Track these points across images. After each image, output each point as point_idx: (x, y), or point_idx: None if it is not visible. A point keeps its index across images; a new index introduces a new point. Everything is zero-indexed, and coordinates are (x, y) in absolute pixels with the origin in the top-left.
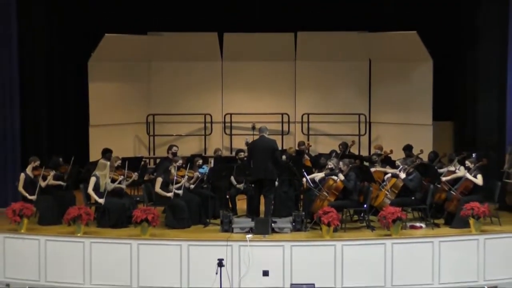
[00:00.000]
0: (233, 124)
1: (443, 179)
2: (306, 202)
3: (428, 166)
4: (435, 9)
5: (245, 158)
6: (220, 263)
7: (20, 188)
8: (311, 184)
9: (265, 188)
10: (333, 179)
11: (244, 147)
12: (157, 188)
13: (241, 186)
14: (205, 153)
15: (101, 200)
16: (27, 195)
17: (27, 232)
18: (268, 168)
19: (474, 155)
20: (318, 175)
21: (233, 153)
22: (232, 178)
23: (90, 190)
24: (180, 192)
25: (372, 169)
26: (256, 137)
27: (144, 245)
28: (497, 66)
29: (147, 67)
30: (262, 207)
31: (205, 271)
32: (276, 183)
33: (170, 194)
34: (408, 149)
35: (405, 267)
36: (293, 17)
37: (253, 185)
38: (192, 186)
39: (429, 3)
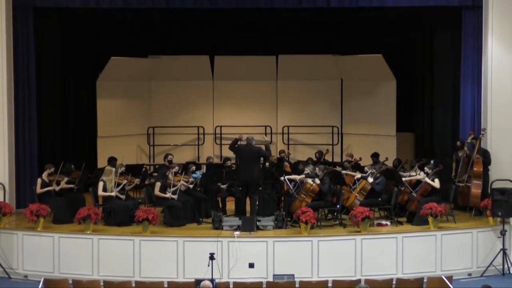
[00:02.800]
0: (222, 135)
1: (404, 179)
2: (286, 203)
3: (392, 171)
4: (398, 35)
5: (232, 166)
6: (212, 257)
7: (39, 191)
8: (291, 188)
9: (251, 191)
10: (310, 183)
11: (231, 155)
12: (156, 191)
13: (224, 186)
14: (198, 160)
15: (113, 194)
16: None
17: (43, 230)
18: (254, 173)
19: (432, 161)
20: (297, 176)
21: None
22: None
23: (100, 192)
24: (175, 196)
25: (344, 172)
26: None
27: (145, 241)
28: (451, 84)
29: (148, 86)
30: (248, 208)
31: (199, 264)
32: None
33: (168, 195)
34: (375, 156)
35: (373, 260)
36: (275, 42)
37: (240, 188)
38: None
39: (393, 30)
